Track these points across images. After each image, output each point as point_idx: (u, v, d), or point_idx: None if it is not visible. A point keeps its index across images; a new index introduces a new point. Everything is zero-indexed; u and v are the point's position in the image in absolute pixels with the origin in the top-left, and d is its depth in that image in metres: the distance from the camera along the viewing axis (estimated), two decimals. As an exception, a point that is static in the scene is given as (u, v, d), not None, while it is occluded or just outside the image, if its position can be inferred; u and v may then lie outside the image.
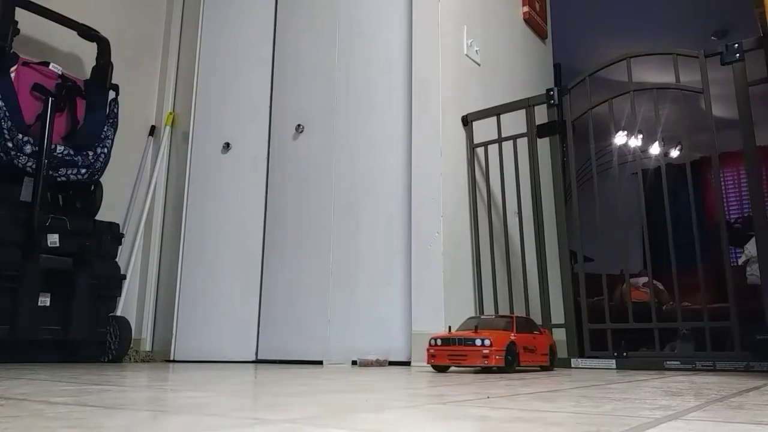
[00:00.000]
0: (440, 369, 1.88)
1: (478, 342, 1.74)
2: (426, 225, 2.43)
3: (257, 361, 2.76)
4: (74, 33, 2.78)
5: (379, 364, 2.37)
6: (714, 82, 2.18)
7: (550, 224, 2.46)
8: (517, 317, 1.92)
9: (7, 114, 2.30)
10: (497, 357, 1.72)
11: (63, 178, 2.50)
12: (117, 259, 2.67)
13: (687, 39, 4.83)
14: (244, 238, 2.96)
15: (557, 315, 2.31)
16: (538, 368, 2.00)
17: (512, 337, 1.80)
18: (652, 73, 4.61)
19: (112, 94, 2.76)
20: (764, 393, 1.06)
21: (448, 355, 1.79)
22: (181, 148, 3.28)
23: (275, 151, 2.99)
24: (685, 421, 0.67)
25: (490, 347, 1.72)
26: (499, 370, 1.78)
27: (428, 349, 1.84)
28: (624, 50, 2.35)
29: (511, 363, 1.76)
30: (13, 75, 2.38)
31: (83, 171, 2.56)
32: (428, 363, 1.84)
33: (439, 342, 1.83)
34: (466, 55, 2.74)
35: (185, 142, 3.26)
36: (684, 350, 3.48)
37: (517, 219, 2.56)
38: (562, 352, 2.29)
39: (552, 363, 2.00)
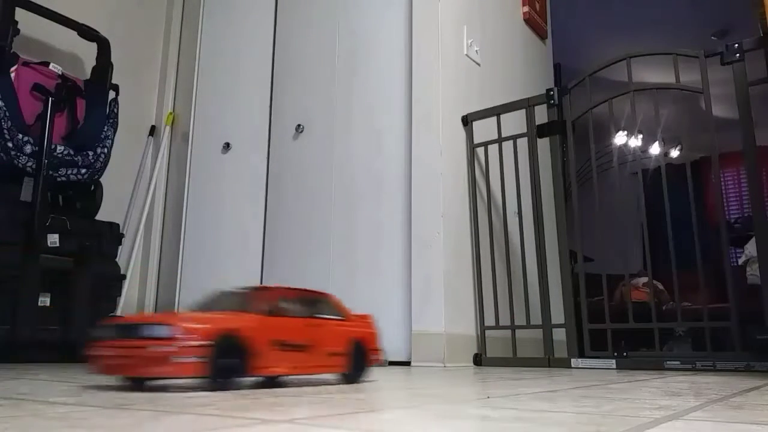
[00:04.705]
0: (135, 380, 1.06)
1: (152, 332, 0.97)
2: (426, 225, 2.43)
3: (257, 361, 2.76)
4: (74, 33, 2.78)
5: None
6: (714, 82, 2.18)
7: (550, 224, 2.46)
8: (288, 290, 1.17)
9: (7, 114, 2.30)
10: (186, 360, 0.95)
11: (63, 178, 2.50)
12: (117, 259, 2.67)
13: (687, 39, 4.83)
14: (244, 238, 2.96)
15: (557, 315, 2.31)
16: (340, 378, 1.23)
17: (239, 324, 1.02)
18: (652, 73, 4.61)
19: (112, 94, 2.75)
20: (764, 393, 1.06)
21: (116, 356, 1.01)
22: (181, 148, 3.28)
23: (275, 151, 2.99)
24: (685, 421, 0.67)
25: (174, 342, 0.95)
26: (210, 385, 0.99)
27: (94, 347, 1.04)
28: (624, 50, 2.35)
29: (230, 370, 1.00)
30: (13, 75, 2.38)
31: (83, 171, 2.56)
32: (91, 371, 1.04)
33: (109, 333, 1.03)
34: (466, 55, 2.74)
35: (185, 142, 3.26)
36: (679, 351, 3.48)
37: (517, 219, 2.56)
38: (561, 352, 2.29)
39: (357, 369, 1.24)
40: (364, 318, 1.31)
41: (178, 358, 0.95)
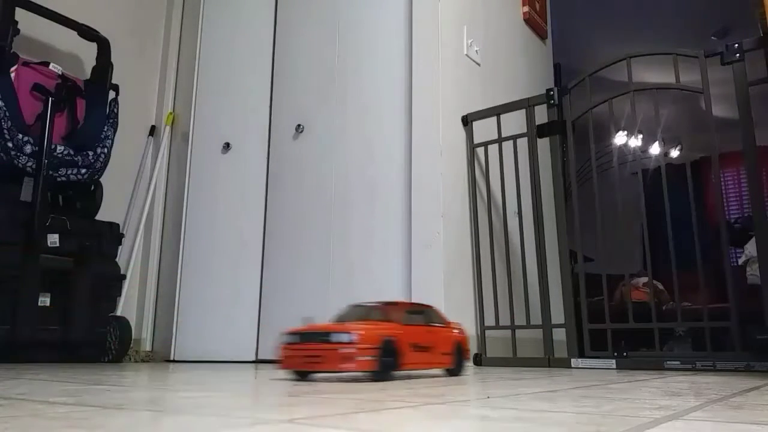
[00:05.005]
0: (301, 375, 1.42)
1: (338, 338, 1.29)
2: (426, 225, 2.43)
3: (257, 361, 2.76)
4: (74, 33, 2.78)
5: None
6: (714, 82, 2.18)
7: (550, 224, 2.46)
8: (408, 304, 1.53)
9: (7, 114, 2.30)
10: (364, 359, 1.28)
11: (63, 178, 2.50)
12: (117, 259, 2.67)
13: (687, 39, 4.83)
14: (244, 238, 2.96)
15: (557, 315, 2.31)
16: (445, 372, 1.60)
17: (391, 331, 1.36)
18: (652, 73, 4.61)
19: (112, 94, 2.76)
20: (764, 393, 1.06)
21: (304, 356, 1.34)
22: (181, 148, 3.28)
23: (275, 151, 2.99)
24: (686, 421, 0.67)
25: (354, 345, 1.28)
26: (373, 376, 1.32)
27: (282, 349, 1.39)
28: (624, 50, 2.35)
29: (388, 366, 1.32)
30: (13, 75, 2.38)
31: (83, 171, 2.56)
32: (281, 368, 1.38)
33: (295, 339, 1.37)
34: (466, 55, 2.74)
35: (185, 142, 3.26)
36: (679, 351, 3.48)
37: (517, 219, 2.56)
38: (561, 352, 2.29)
39: (459, 365, 1.59)
40: (457, 325, 1.67)
41: (359, 357, 1.27)
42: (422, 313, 1.54)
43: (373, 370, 1.29)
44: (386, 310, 1.46)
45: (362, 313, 1.47)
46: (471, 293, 2.51)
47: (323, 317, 2.64)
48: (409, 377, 1.47)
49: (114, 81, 2.78)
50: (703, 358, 1.98)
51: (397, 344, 1.35)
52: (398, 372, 1.42)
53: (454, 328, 1.62)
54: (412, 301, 2.40)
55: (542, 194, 2.47)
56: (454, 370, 1.58)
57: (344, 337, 1.28)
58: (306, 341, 1.34)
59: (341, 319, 1.48)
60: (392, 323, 1.40)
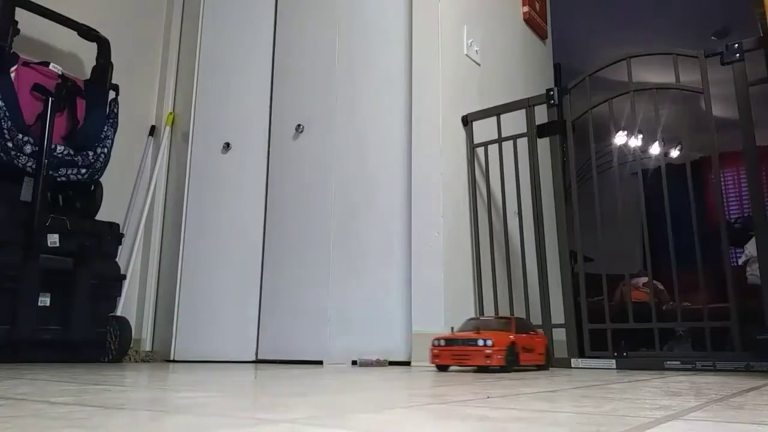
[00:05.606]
0: (442, 368, 1.97)
1: (481, 342, 1.82)
2: (426, 225, 2.43)
3: (257, 361, 2.76)
4: (74, 33, 2.78)
5: (379, 364, 2.37)
6: (714, 82, 2.18)
7: (550, 224, 2.46)
8: (515, 318, 2.00)
9: (7, 114, 2.30)
10: (498, 357, 1.79)
11: (63, 178, 2.50)
12: (117, 259, 2.67)
13: (687, 39, 4.83)
14: (244, 238, 2.96)
15: (557, 315, 2.31)
16: (535, 368, 2.06)
17: (512, 338, 1.86)
18: (652, 73, 4.61)
19: (112, 94, 2.75)
20: (764, 393, 1.06)
21: (452, 355, 1.88)
22: (181, 148, 3.28)
23: (275, 151, 2.99)
24: (686, 421, 0.67)
25: (492, 347, 1.80)
26: (500, 370, 1.85)
27: (432, 349, 1.93)
28: (624, 50, 2.35)
29: (512, 362, 1.83)
30: (13, 75, 2.38)
31: (83, 171, 2.56)
32: (432, 363, 1.93)
33: (442, 342, 1.91)
34: (466, 55, 2.74)
35: (185, 142, 3.26)
36: (679, 351, 3.48)
37: (517, 219, 2.56)
38: (561, 352, 2.30)
39: (548, 363, 2.07)
40: (540, 332, 2.13)
41: (496, 356, 1.79)
42: (522, 323, 2.02)
43: (502, 365, 1.79)
44: (500, 322, 1.97)
45: (479, 324, 1.97)
46: (471, 293, 2.51)
47: (324, 316, 2.64)
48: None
49: (114, 81, 2.78)
50: (703, 358, 1.98)
51: (515, 347, 1.86)
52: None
53: (541, 334, 2.09)
54: (413, 299, 2.40)
55: (542, 194, 2.47)
56: (544, 366, 2.04)
57: (486, 342, 1.81)
58: (451, 344, 1.88)
59: (465, 328, 1.98)
60: (509, 331, 1.89)
